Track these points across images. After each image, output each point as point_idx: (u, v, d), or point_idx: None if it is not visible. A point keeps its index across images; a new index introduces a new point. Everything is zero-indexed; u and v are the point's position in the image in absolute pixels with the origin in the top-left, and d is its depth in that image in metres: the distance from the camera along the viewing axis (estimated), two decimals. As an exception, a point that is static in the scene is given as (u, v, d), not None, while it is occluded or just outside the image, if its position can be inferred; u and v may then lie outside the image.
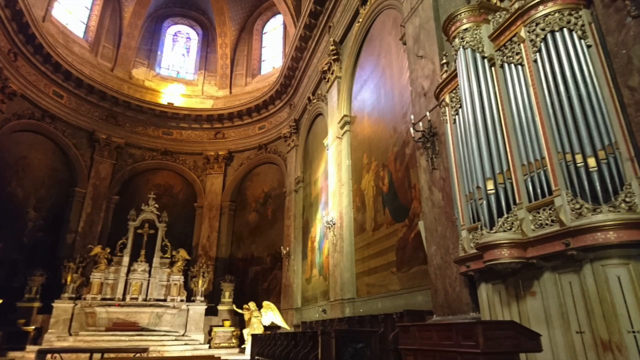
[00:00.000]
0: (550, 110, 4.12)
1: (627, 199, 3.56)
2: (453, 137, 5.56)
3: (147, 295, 15.84)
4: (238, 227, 20.48)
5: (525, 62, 4.51)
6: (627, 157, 3.71)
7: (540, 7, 4.35)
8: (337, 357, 5.77)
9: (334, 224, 11.67)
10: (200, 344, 15.30)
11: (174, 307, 15.75)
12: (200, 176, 21.02)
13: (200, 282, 16.89)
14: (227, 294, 17.61)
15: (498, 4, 5.40)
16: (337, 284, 10.84)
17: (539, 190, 4.17)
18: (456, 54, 5.38)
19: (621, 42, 3.93)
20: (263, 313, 14.12)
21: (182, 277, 16.63)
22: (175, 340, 14.85)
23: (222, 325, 16.67)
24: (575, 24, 4.17)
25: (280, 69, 18.69)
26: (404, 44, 8.36)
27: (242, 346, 15.28)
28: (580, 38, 4.12)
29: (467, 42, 5.19)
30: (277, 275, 17.68)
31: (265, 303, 14.39)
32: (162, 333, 14.99)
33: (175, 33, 23.94)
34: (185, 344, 14.79)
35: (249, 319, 14.77)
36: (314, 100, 15.58)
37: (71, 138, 18.25)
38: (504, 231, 4.29)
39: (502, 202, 4.47)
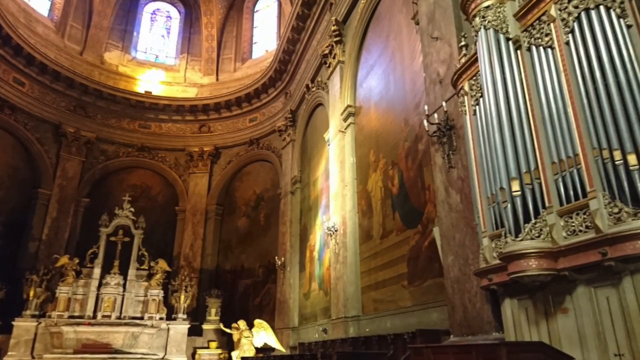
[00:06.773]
0: (585, 100, 4.12)
1: (672, 202, 3.56)
2: (473, 131, 5.57)
3: (121, 312, 15.82)
4: (226, 234, 20.48)
5: (555, 45, 4.51)
6: (672, 153, 3.70)
7: (573, -19, 4.35)
8: (339, 383, 5.78)
9: (336, 231, 11.68)
10: (183, 368, 15.34)
11: (152, 326, 15.74)
12: (182, 176, 21.01)
13: (182, 297, 16.85)
14: (213, 311, 17.60)
15: (524, -23, 5.40)
16: (339, 300, 10.85)
17: (571, 192, 4.16)
18: (476, 36, 5.38)
19: (666, 21, 3.93)
20: (254, 333, 14.12)
21: (162, 291, 16.62)
22: (154, 364, 14.87)
23: (208, 347, 16.68)
24: (614, 0, 4.17)
25: (274, 53, 18.69)
26: (417, 23, 8.36)
27: (231, 371, 15.30)
28: (619, 17, 4.11)
29: (489, 22, 5.19)
30: (270, 290, 17.68)
31: (257, 321, 14.39)
32: (139, 356, 15.00)
33: (154, 11, 23.90)
34: (165, 369, 14.82)
35: (239, 339, 14.77)
36: (313, 89, 15.58)
37: (34, 132, 18.21)
38: (532, 239, 4.29)
39: (529, 205, 4.46)
